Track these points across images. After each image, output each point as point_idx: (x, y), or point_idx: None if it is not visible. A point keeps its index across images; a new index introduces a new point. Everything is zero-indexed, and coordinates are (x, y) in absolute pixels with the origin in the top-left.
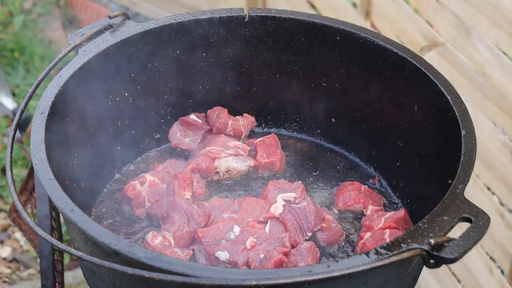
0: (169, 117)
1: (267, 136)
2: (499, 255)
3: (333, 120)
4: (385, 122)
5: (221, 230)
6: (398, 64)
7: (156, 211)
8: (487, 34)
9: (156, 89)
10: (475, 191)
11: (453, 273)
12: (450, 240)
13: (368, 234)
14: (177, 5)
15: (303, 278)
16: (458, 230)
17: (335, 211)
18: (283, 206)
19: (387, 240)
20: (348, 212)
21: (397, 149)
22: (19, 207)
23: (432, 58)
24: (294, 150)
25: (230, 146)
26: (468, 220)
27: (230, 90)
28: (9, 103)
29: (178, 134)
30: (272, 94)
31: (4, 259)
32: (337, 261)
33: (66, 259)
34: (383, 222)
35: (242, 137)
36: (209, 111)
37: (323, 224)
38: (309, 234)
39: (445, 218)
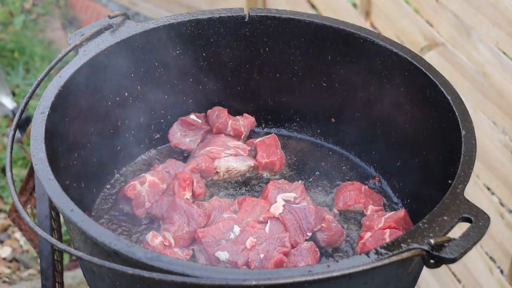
0: (169, 117)
1: (267, 136)
2: (499, 255)
3: (333, 120)
4: (385, 122)
5: (221, 230)
6: (398, 64)
7: (156, 211)
8: (487, 34)
9: (156, 89)
10: (475, 191)
11: (453, 273)
12: (450, 240)
13: (368, 234)
14: (177, 5)
15: (303, 278)
16: (458, 230)
17: (335, 211)
18: (283, 206)
19: (387, 240)
20: (348, 212)
21: (397, 149)
22: (19, 207)
23: (432, 58)
24: (294, 150)
25: (230, 146)
26: (468, 220)
27: (230, 90)
28: (9, 103)
29: (178, 134)
30: (272, 94)
31: (4, 259)
32: (337, 261)
33: (66, 259)
34: (383, 222)
35: (242, 137)
36: (209, 111)
37: (323, 224)
38: (309, 234)
39: (445, 218)
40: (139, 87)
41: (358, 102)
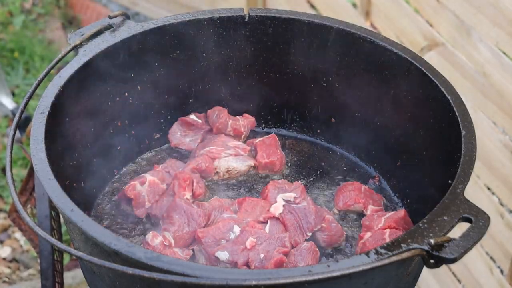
0: (169, 117)
1: (267, 136)
2: (499, 255)
3: (333, 120)
4: (385, 122)
5: (221, 230)
6: (398, 64)
7: (156, 211)
8: (487, 34)
9: (156, 89)
10: (475, 191)
11: (453, 273)
12: (450, 240)
13: (368, 234)
14: (177, 5)
15: (303, 278)
16: (458, 230)
17: (335, 211)
18: (283, 206)
19: (387, 240)
20: (348, 212)
21: (397, 149)
22: (19, 207)
23: (432, 58)
24: (294, 150)
25: (230, 146)
26: (468, 220)
27: (230, 90)
28: (9, 103)
29: (178, 134)
30: (272, 94)
31: (4, 259)
32: (337, 261)
33: (66, 259)
34: (383, 222)
35: (242, 137)
36: (209, 111)
37: (323, 224)
38: (309, 234)
39: (445, 218)
40: (139, 87)
41: (358, 102)
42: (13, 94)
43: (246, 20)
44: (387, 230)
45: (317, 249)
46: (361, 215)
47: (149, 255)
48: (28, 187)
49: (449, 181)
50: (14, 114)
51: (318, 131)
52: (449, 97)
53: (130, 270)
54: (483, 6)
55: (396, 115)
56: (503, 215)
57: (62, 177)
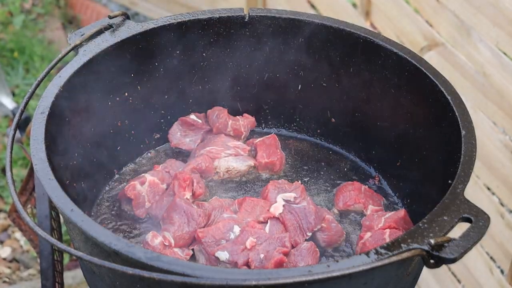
0: (169, 117)
1: (267, 136)
2: (499, 255)
3: (333, 120)
4: (385, 122)
5: (221, 230)
6: (398, 64)
7: (156, 211)
8: (487, 34)
9: (156, 89)
10: (475, 191)
11: (453, 273)
12: (450, 240)
13: (368, 234)
14: (177, 5)
15: (303, 278)
16: (458, 230)
17: (335, 211)
18: (283, 206)
19: (387, 240)
20: (348, 212)
21: (397, 149)
22: (19, 207)
23: (432, 58)
24: (294, 150)
25: (230, 146)
26: (468, 220)
27: (230, 90)
28: (9, 103)
29: (178, 134)
30: (272, 94)
31: (4, 259)
32: (337, 261)
33: (66, 259)
34: (383, 222)
35: (242, 137)
36: (209, 111)
37: (323, 224)
38: (309, 234)
39: (445, 218)
40: (139, 87)
41: (358, 102)
42: (13, 94)
43: (246, 20)
44: (387, 230)
45: (317, 249)
46: (361, 215)
47: (149, 255)
48: (28, 187)
49: (449, 181)
50: (14, 114)
51: (318, 131)
52: (449, 97)
53: (130, 270)
54: (483, 6)
55: (396, 115)
56: (503, 215)
57: (62, 177)
